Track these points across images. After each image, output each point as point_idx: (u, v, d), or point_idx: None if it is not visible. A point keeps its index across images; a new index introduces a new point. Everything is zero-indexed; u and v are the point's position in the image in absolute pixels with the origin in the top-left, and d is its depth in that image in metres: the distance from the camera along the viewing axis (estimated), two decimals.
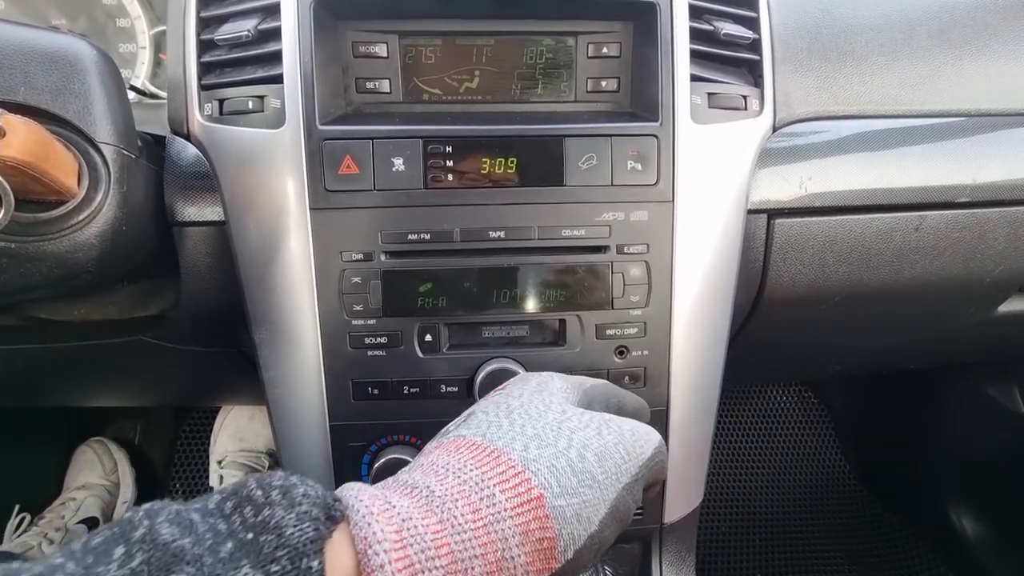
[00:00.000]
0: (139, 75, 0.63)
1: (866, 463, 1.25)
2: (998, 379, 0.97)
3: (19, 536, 1.01)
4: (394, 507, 0.27)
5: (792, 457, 1.27)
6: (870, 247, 0.57)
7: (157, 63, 0.64)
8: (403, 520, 0.26)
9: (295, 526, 0.24)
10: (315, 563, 0.23)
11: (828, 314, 0.62)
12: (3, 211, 0.34)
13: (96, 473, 1.16)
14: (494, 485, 0.28)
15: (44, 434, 1.16)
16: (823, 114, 0.56)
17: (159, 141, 0.51)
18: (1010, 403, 0.96)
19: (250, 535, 0.23)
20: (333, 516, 0.26)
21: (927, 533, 1.14)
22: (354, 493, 0.27)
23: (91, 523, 1.06)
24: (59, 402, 0.85)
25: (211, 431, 1.17)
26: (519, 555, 0.27)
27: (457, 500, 0.28)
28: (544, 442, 0.31)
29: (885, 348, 0.77)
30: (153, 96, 0.64)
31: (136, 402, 0.95)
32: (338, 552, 0.25)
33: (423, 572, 0.25)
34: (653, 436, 0.36)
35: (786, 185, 0.54)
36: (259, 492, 0.25)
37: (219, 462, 1.11)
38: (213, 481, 1.11)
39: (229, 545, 0.23)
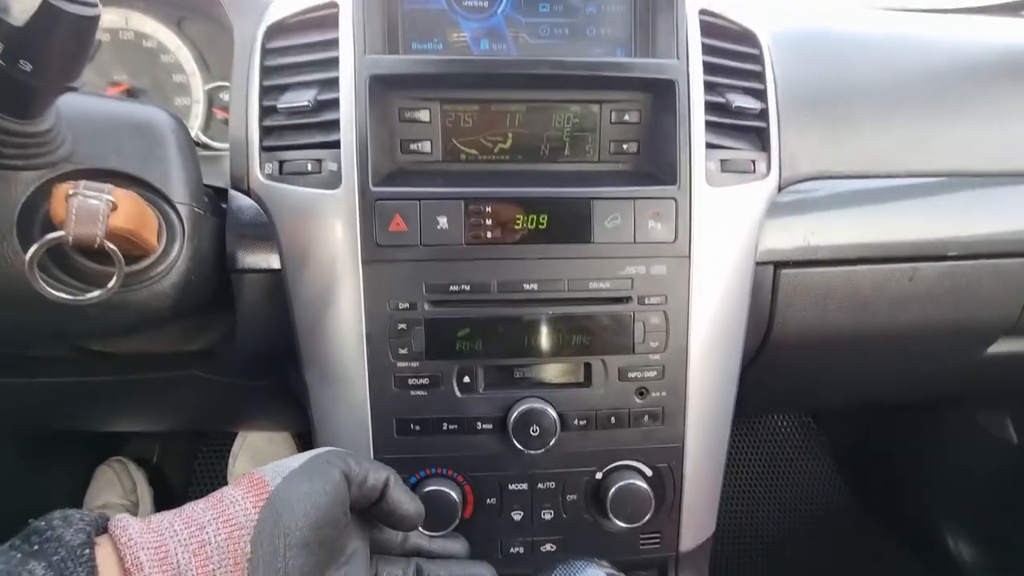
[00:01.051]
0: (193, 126, 0.68)
1: (866, 490, 1.29)
2: (990, 409, 1.02)
3: None
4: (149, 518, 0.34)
5: (795, 484, 1.31)
6: (867, 295, 0.62)
7: (209, 116, 0.69)
8: (153, 520, 0.34)
9: (72, 534, 0.30)
10: (87, 551, 0.30)
11: (831, 355, 0.67)
12: (116, 276, 0.38)
13: (115, 493, 1.19)
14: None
15: (64, 453, 1.19)
16: (824, 174, 0.61)
17: (219, 193, 0.56)
18: (1002, 432, 1.00)
19: (35, 548, 0.29)
20: (104, 527, 0.33)
21: (924, 558, 1.17)
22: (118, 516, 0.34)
23: None
24: (92, 428, 0.89)
25: (229, 452, 1.20)
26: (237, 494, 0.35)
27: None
28: None
29: (885, 384, 0.81)
30: (206, 147, 0.69)
31: (165, 427, 0.98)
32: (105, 551, 0.31)
33: (164, 533, 0.32)
34: None
35: (791, 239, 0.59)
36: (42, 523, 0.31)
37: None
38: None
39: (18, 556, 0.29)
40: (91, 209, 0.36)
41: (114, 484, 1.20)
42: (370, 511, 0.41)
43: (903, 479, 1.19)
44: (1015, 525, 1.00)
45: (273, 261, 0.54)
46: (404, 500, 0.41)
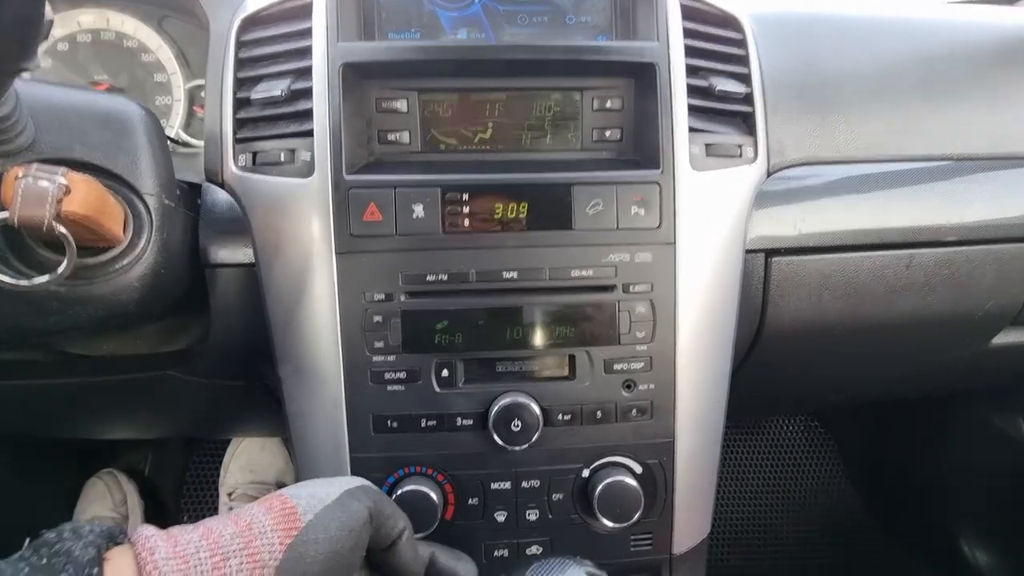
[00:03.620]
0: (173, 125, 0.68)
1: (874, 493, 1.25)
2: (1002, 408, 0.98)
3: None
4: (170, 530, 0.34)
5: (800, 488, 1.27)
6: (863, 284, 0.60)
7: (190, 115, 0.69)
8: (174, 531, 0.34)
9: (81, 549, 0.30)
10: (95, 569, 0.29)
11: (827, 346, 0.65)
12: (66, 262, 0.37)
13: (106, 506, 1.17)
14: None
15: (54, 465, 1.17)
16: (814, 159, 0.59)
17: (194, 188, 0.55)
18: (1015, 431, 0.97)
19: (44, 561, 0.29)
20: (115, 539, 0.32)
21: (937, 564, 1.13)
22: (142, 527, 0.34)
23: None
24: (75, 434, 0.87)
25: (221, 462, 1.18)
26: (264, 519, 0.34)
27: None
28: None
29: (884, 378, 0.79)
30: (186, 144, 0.68)
31: (152, 434, 0.97)
32: (120, 563, 0.31)
33: (190, 561, 0.31)
34: None
35: (781, 226, 0.58)
36: (52, 535, 0.30)
37: (229, 494, 1.12)
38: (223, 513, 1.12)
39: (26, 570, 0.28)
40: (39, 191, 0.35)
41: (104, 496, 1.18)
42: (374, 554, 0.41)
43: (915, 482, 1.15)
44: None
45: (247, 255, 0.52)
46: (410, 559, 0.41)
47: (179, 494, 1.23)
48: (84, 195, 0.37)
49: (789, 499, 1.26)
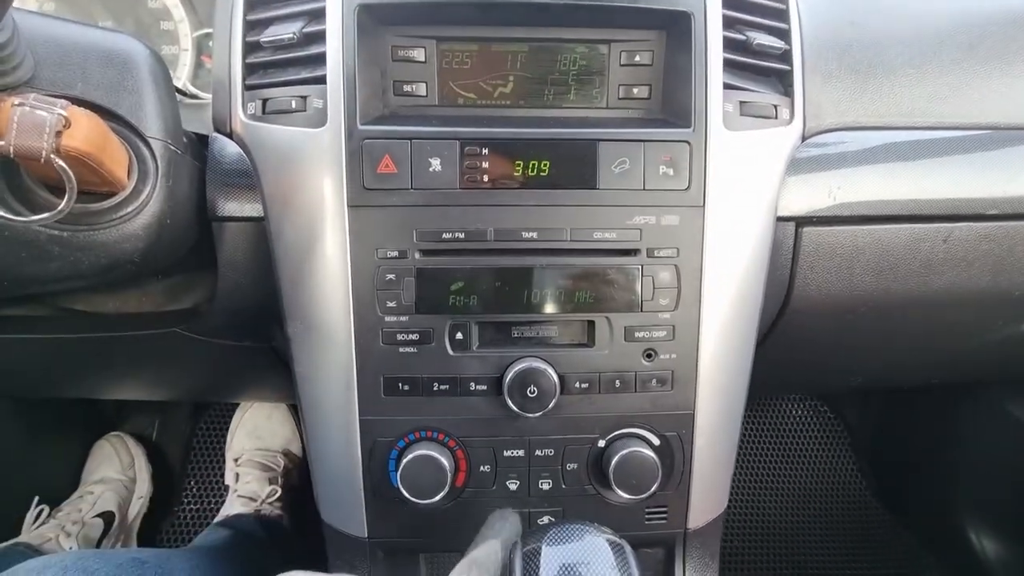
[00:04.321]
0: (180, 76, 0.65)
1: (882, 479, 1.23)
2: (1017, 395, 0.96)
3: (37, 528, 1.02)
4: None
5: (808, 471, 1.26)
6: (898, 257, 0.57)
7: (199, 65, 0.66)
8: None
9: None
10: None
11: (854, 323, 0.62)
12: (67, 197, 0.35)
13: (114, 468, 1.17)
14: None
15: (63, 427, 1.18)
16: (852, 125, 0.56)
17: (202, 140, 0.52)
18: None
19: None
20: None
21: (942, 551, 1.12)
22: None
23: (107, 517, 1.07)
24: (84, 394, 0.87)
25: (228, 428, 1.19)
26: None
27: None
28: None
29: (909, 362, 0.76)
30: (194, 96, 0.65)
31: (160, 396, 0.96)
32: None
33: None
34: None
35: (815, 194, 0.55)
36: None
37: (235, 460, 1.12)
38: (229, 479, 1.12)
39: None
40: (37, 120, 0.33)
41: (112, 458, 1.19)
42: None
43: (922, 468, 1.13)
44: None
45: (256, 209, 0.50)
46: None
47: (186, 459, 1.24)
48: (86, 130, 0.35)
49: (796, 481, 1.25)
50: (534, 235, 0.48)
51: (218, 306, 0.55)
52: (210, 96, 0.60)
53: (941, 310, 0.62)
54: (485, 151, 0.47)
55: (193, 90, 0.66)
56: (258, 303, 0.54)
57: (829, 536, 1.20)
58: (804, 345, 0.66)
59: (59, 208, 0.36)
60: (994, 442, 1.02)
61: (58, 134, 0.33)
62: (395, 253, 0.47)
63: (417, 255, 0.48)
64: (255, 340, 0.61)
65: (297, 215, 0.48)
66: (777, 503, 1.23)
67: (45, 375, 0.74)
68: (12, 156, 0.33)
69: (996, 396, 0.98)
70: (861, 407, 1.25)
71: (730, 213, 0.50)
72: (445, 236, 0.47)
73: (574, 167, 0.48)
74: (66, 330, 0.60)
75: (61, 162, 0.34)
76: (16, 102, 0.33)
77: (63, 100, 0.35)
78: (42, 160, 0.33)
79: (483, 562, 0.36)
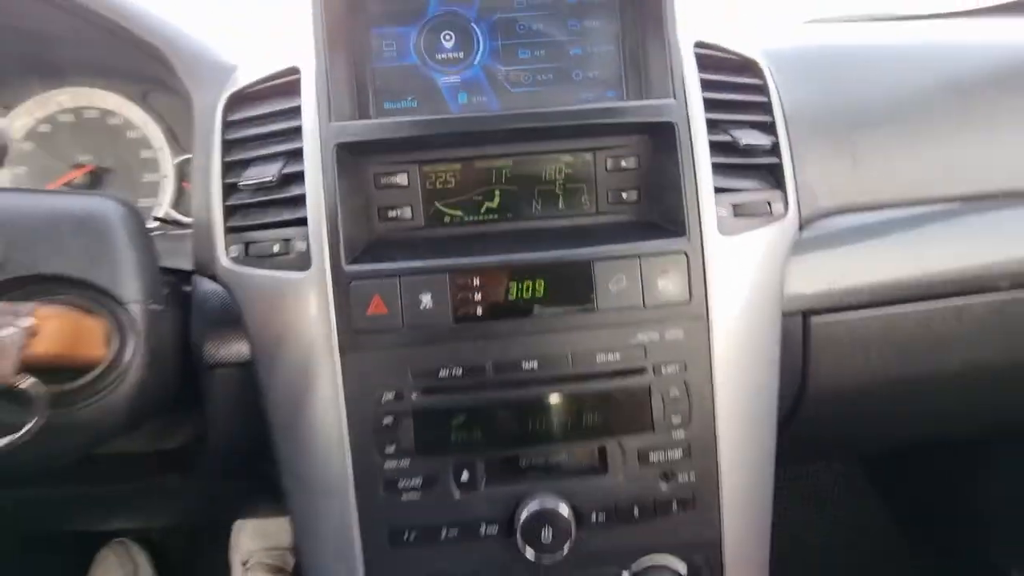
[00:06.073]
0: (163, 203, 0.64)
1: (921, 540, 1.17)
2: None
3: None
4: None
5: (842, 536, 1.19)
6: (910, 340, 0.55)
7: (180, 191, 0.65)
8: None
9: None
10: None
11: (875, 404, 0.60)
12: (33, 421, 0.33)
13: None
14: None
15: (63, 535, 1.13)
16: (848, 206, 0.55)
17: (184, 276, 0.51)
18: None
19: None
20: None
21: None
22: None
23: None
24: (74, 528, 0.83)
25: (231, 526, 1.14)
26: None
27: None
28: None
29: (942, 424, 0.73)
30: (177, 223, 0.64)
31: (154, 525, 0.92)
32: None
33: None
34: None
35: (817, 282, 0.53)
36: None
37: (244, 563, 1.07)
38: None
39: None
40: None
41: (116, 570, 1.14)
42: None
43: (964, 524, 1.08)
44: None
45: (243, 352, 0.48)
46: None
47: (193, 557, 1.19)
48: (53, 333, 0.33)
49: (830, 547, 1.18)
50: (534, 365, 0.46)
51: (212, 450, 0.52)
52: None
53: (962, 382, 0.60)
54: (476, 281, 0.46)
55: (176, 216, 0.65)
56: (252, 445, 0.51)
57: None
58: (824, 427, 0.64)
59: (21, 433, 0.33)
60: None
61: (22, 348, 0.32)
62: (392, 395, 0.45)
63: (415, 395, 0.46)
64: (252, 478, 0.59)
65: (287, 363, 0.46)
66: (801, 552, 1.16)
67: (32, 519, 0.71)
68: None
69: None
70: (896, 465, 1.19)
71: (736, 320, 0.48)
72: (442, 374, 0.45)
73: (570, 288, 0.46)
74: (51, 483, 0.57)
75: (28, 380, 0.32)
76: None
77: (30, 304, 0.33)
78: (9, 384, 0.31)
79: None
